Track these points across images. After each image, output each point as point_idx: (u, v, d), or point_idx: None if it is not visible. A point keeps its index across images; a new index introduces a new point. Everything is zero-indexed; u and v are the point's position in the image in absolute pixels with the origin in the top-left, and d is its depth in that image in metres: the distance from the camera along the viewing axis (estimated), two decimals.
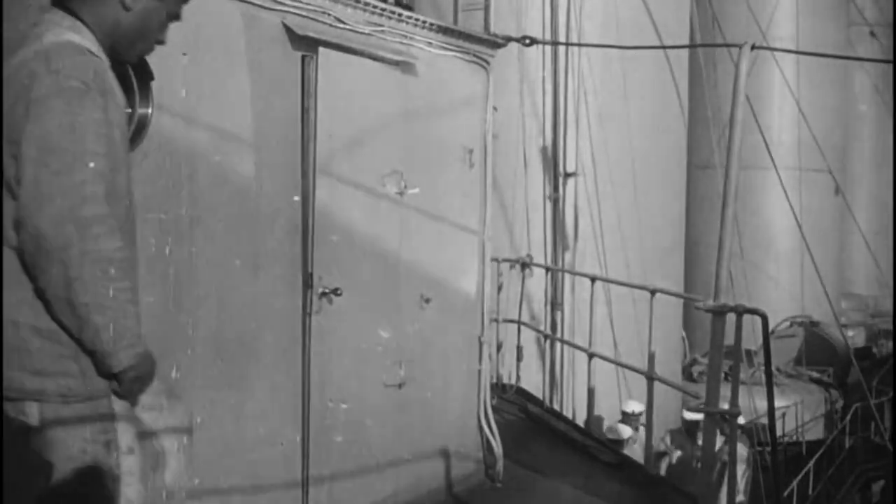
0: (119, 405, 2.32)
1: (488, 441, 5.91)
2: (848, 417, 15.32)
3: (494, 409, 6.18)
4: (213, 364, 4.03)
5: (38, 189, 2.11)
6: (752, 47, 5.59)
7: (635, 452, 8.80)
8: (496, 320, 8.59)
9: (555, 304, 10.67)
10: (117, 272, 2.18)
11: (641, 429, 9.50)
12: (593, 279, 8.56)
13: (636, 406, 9.53)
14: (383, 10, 4.95)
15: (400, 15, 5.06)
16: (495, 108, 5.93)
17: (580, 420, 9.39)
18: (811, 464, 12.91)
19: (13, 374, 2.23)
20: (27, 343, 2.21)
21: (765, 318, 5.41)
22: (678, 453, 9.79)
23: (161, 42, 2.48)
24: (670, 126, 11.63)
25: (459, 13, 5.99)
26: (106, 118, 2.21)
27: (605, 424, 9.67)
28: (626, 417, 9.53)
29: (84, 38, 2.30)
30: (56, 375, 2.23)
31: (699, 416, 9.66)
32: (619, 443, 9.01)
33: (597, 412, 8.67)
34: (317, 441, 4.62)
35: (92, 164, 2.15)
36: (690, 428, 9.79)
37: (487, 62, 5.77)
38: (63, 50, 2.19)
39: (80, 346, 2.22)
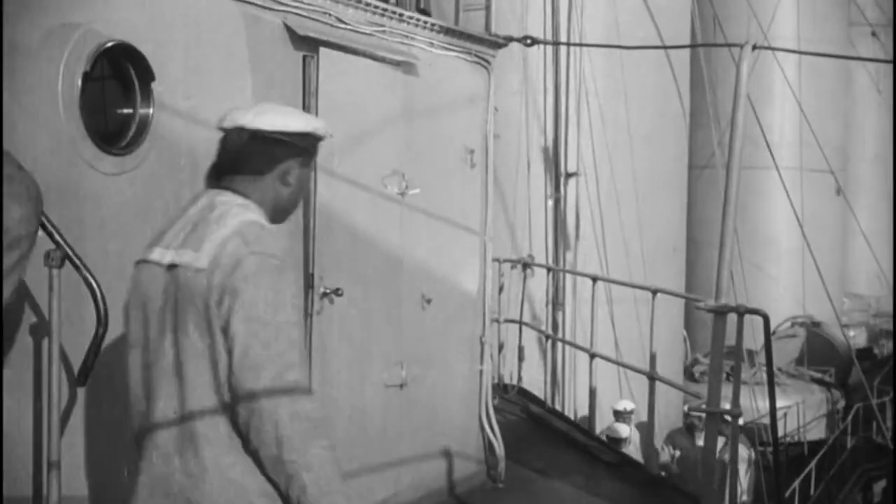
0: None
1: (490, 442, 5.91)
2: (849, 417, 15.32)
3: (496, 409, 6.18)
4: None
5: (249, 359, 2.32)
6: (754, 47, 5.59)
7: (630, 453, 8.81)
8: (497, 320, 8.59)
9: (556, 304, 10.67)
10: (318, 430, 2.36)
11: (635, 430, 9.52)
12: (594, 279, 8.56)
13: (627, 404, 9.54)
14: (384, 10, 4.95)
15: (401, 15, 5.06)
16: (496, 109, 5.93)
17: (581, 420, 9.39)
18: (813, 464, 12.90)
19: None
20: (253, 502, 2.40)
21: (766, 319, 5.41)
22: (677, 453, 9.79)
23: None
24: (671, 126, 11.63)
25: (461, 13, 5.99)
26: (296, 290, 2.46)
27: (603, 425, 9.66)
28: (618, 416, 9.53)
29: (259, 216, 2.55)
30: None
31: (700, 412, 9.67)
32: (618, 442, 9.02)
33: (598, 412, 8.68)
34: None
35: (291, 335, 2.38)
36: (690, 425, 9.80)
37: (489, 62, 5.77)
38: (255, 231, 2.45)
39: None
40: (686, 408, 9.97)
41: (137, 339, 2.52)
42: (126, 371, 2.56)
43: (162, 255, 2.50)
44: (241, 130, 2.55)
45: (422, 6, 5.40)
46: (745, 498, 9.17)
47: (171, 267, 2.45)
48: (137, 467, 2.49)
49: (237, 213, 2.49)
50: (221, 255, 2.38)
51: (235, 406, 2.34)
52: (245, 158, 2.56)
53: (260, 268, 2.36)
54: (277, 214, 2.65)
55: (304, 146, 2.62)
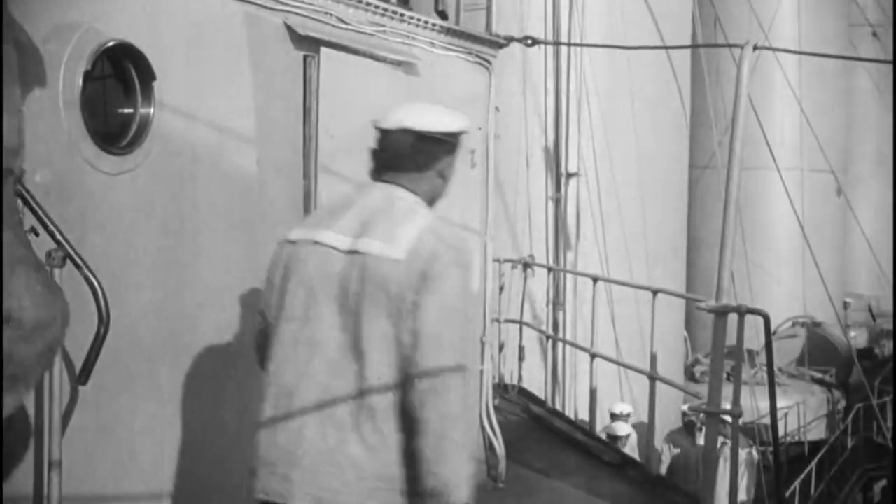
0: None
1: (490, 441, 5.91)
2: (850, 418, 15.32)
3: (496, 409, 6.18)
4: (215, 364, 4.03)
5: (438, 342, 2.57)
6: (754, 47, 5.59)
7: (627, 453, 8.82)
8: (498, 320, 8.60)
9: (557, 304, 10.67)
10: (467, 413, 2.65)
11: (633, 431, 9.53)
12: (595, 279, 8.57)
13: (624, 407, 9.55)
14: (385, 10, 4.95)
15: (402, 15, 5.07)
16: (497, 109, 5.93)
17: (581, 421, 9.39)
18: (813, 464, 12.91)
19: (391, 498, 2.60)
20: (403, 474, 2.60)
21: (767, 319, 5.40)
22: (677, 451, 9.79)
23: None
24: (672, 126, 11.62)
25: (461, 13, 5.98)
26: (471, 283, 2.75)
27: (603, 425, 9.68)
28: (614, 419, 9.54)
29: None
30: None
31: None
32: (615, 439, 9.04)
33: (599, 412, 8.68)
34: None
35: (468, 324, 2.68)
36: (689, 424, 9.80)
37: (489, 62, 5.78)
38: (447, 228, 2.75)
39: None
40: (686, 407, 9.97)
41: (295, 315, 2.68)
42: (275, 341, 2.72)
43: (337, 239, 2.68)
44: (405, 131, 2.80)
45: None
46: (742, 497, 9.17)
47: (352, 252, 2.64)
48: (282, 430, 2.66)
49: (422, 210, 2.76)
50: (420, 250, 2.61)
51: (413, 381, 2.54)
52: (410, 156, 2.80)
53: (455, 261, 2.64)
54: (431, 205, 2.87)
55: (456, 143, 2.87)
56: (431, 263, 2.58)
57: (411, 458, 2.56)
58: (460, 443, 2.52)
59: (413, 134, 2.79)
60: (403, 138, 2.79)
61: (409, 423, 2.55)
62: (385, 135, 2.83)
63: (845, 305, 21.29)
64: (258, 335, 2.94)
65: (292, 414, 2.64)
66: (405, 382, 2.56)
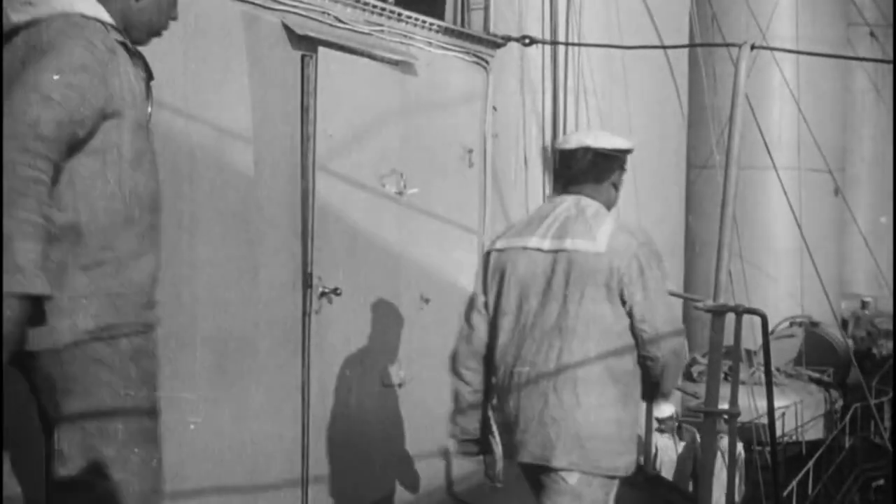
0: None
1: (488, 441, 5.90)
2: (848, 417, 15.32)
3: (493, 408, 6.17)
4: (213, 363, 4.03)
5: (664, 319, 3.23)
6: (752, 47, 5.59)
7: None
8: None
9: None
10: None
11: None
12: None
13: None
14: (383, 9, 4.95)
15: (399, 15, 5.07)
16: (495, 108, 5.93)
17: None
18: (811, 464, 12.91)
19: (593, 455, 3.20)
20: (613, 432, 3.23)
21: (764, 319, 5.40)
22: (682, 442, 9.81)
23: None
24: (670, 125, 11.62)
25: (460, 13, 5.98)
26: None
27: None
28: None
29: None
30: (624, 456, 3.27)
31: (670, 412, 9.70)
32: None
33: None
34: (316, 440, 4.63)
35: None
36: (665, 425, 9.83)
37: (487, 62, 5.78)
38: (633, 227, 3.37)
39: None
40: (656, 415, 9.97)
41: (511, 309, 3.33)
42: (497, 332, 3.36)
43: (541, 243, 3.29)
44: (586, 150, 3.36)
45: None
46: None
47: (556, 251, 3.24)
48: (508, 401, 3.35)
49: (607, 213, 3.34)
50: (616, 245, 3.20)
51: (651, 348, 3.22)
52: (590, 171, 3.37)
53: (650, 254, 3.25)
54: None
55: (624, 159, 3.44)
56: (632, 260, 3.18)
57: (603, 416, 3.19)
58: (677, 372, 3.34)
59: (592, 151, 3.35)
60: (584, 156, 3.35)
61: (611, 388, 3.19)
62: (567, 155, 3.37)
63: (863, 305, 21.32)
64: (464, 341, 3.52)
65: (513, 387, 3.31)
66: (644, 349, 3.22)
